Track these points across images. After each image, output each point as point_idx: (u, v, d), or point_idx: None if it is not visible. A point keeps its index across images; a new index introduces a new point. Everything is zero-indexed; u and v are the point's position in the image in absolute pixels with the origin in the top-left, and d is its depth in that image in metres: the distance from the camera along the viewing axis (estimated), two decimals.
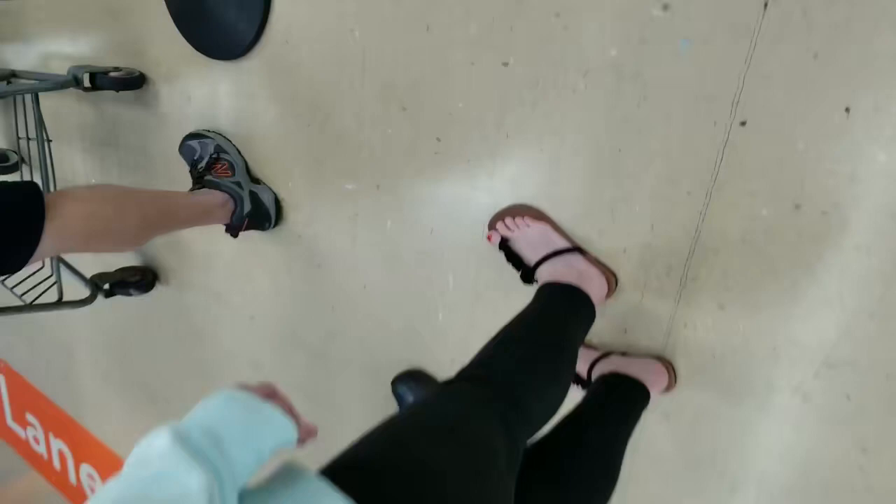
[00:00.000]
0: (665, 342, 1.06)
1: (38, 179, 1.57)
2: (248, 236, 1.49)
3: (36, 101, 1.49)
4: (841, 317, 0.89)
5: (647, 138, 0.95)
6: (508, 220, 1.10)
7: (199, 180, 1.40)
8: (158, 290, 1.87)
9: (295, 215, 1.44)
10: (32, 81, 1.50)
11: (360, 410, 1.53)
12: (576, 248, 1.06)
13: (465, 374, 0.82)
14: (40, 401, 2.86)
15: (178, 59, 1.47)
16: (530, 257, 1.09)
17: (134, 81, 1.53)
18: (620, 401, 1.01)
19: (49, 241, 1.03)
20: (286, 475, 0.54)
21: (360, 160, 1.28)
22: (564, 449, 0.90)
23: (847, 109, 0.81)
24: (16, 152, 1.89)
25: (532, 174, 1.08)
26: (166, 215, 1.28)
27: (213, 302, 1.75)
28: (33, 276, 1.75)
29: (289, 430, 0.57)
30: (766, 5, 0.82)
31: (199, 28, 1.40)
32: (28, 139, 1.59)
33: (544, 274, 1.06)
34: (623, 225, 1.02)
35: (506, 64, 1.04)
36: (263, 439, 0.53)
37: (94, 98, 1.67)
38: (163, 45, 1.49)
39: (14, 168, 1.93)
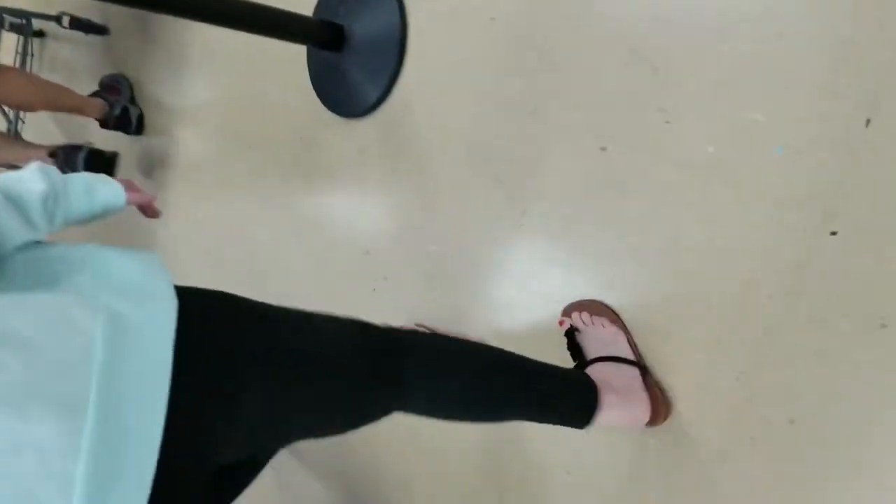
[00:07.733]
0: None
1: None
2: None
3: None
4: None
5: (734, 236, 0.96)
6: (585, 316, 1.08)
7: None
8: None
9: None
10: None
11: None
12: (640, 365, 1.03)
13: (387, 336, 0.85)
14: None
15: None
16: (592, 354, 1.06)
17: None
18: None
19: None
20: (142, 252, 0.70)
21: (447, 225, 1.34)
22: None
23: None
24: None
25: (610, 263, 1.10)
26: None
27: None
28: None
29: (120, 195, 0.86)
30: (868, 121, 0.84)
31: (330, 83, 1.56)
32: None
33: (595, 371, 1.02)
34: (696, 320, 1.01)
35: (603, 149, 1.09)
36: (97, 193, 0.83)
37: None
38: None
39: None
